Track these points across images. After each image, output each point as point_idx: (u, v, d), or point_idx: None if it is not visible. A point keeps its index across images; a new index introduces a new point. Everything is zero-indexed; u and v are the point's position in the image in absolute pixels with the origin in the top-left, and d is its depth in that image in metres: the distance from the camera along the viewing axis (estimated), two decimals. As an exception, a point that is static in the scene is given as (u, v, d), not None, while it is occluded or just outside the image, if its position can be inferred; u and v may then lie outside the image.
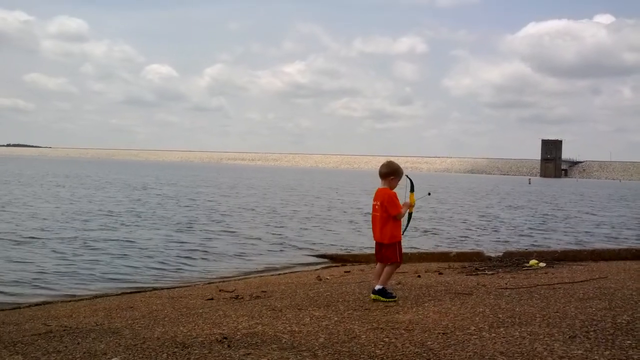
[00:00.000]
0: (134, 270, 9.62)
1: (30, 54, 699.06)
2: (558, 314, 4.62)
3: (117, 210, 19.74)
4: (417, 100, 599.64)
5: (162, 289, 8.11)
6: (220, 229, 15.73)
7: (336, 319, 4.81)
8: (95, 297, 7.60)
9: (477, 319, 4.57)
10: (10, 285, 8.23)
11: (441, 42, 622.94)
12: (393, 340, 4.00)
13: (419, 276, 7.52)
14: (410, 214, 5.85)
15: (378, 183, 5.71)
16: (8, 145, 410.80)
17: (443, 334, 4.12)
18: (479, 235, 16.44)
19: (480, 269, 8.28)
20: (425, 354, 3.65)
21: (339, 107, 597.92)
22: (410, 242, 13.01)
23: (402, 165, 5.91)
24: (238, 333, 4.41)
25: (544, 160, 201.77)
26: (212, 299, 6.51)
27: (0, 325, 5.43)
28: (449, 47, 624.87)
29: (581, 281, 6.46)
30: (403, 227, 5.74)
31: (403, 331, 4.25)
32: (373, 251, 5.91)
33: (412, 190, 5.76)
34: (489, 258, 9.61)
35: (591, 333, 3.96)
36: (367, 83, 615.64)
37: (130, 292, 7.84)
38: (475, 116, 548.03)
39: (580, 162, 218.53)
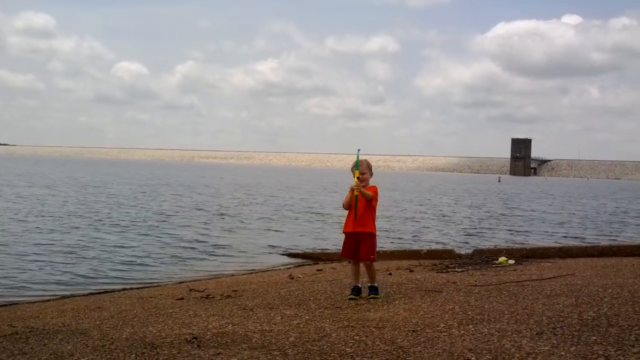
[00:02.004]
0: (101, 272, 9.46)
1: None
2: (526, 310, 4.68)
3: (74, 210, 19.27)
4: (389, 99, 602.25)
5: (132, 289, 8.01)
6: (187, 229, 15.54)
7: (307, 317, 4.81)
8: (63, 297, 7.48)
9: (446, 316, 4.61)
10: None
11: (412, 42, 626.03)
12: (363, 338, 4.01)
13: (390, 274, 7.57)
14: (356, 197, 5.32)
15: (348, 181, 5.71)
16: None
17: (413, 331, 4.15)
18: (447, 232, 16.60)
19: (451, 266, 8.36)
20: (395, 352, 3.67)
21: (312, 106, 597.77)
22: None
23: (374, 164, 5.85)
24: (208, 333, 4.38)
25: (514, 158, 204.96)
26: (182, 298, 6.46)
27: (-36, 327, 5.31)
28: (420, 47, 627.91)
29: (549, 278, 6.56)
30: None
31: (373, 329, 4.27)
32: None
33: (356, 166, 5.38)
34: (459, 255, 9.72)
35: (558, 329, 4.02)
36: (339, 82, 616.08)
37: (99, 293, 7.74)
38: (446, 115, 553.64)
39: (549, 160, 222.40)
